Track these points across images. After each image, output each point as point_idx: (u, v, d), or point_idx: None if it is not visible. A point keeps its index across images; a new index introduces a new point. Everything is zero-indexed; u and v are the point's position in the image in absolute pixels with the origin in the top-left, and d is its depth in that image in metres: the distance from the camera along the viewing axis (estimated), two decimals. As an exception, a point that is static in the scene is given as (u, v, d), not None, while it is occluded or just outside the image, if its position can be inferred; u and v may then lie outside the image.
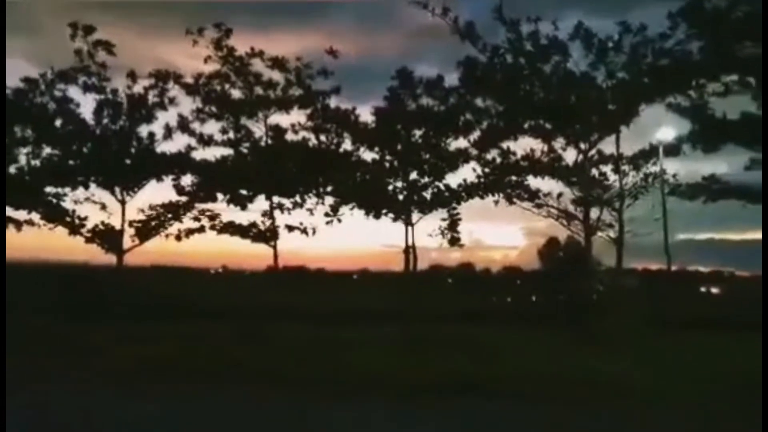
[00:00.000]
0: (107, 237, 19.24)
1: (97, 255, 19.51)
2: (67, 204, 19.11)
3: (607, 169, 19.18)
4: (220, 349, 10.30)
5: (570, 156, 18.91)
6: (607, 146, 18.96)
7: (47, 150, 18.83)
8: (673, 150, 18.80)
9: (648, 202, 19.24)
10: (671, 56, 16.72)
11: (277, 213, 20.00)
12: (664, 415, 7.13)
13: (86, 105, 19.24)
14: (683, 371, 8.99)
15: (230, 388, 7.99)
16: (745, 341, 13.40)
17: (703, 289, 38.52)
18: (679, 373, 8.95)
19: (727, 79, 16.51)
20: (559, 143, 18.92)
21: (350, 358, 9.74)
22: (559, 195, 19.27)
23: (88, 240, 19.14)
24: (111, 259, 19.36)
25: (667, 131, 19.22)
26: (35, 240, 19.88)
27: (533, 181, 19.36)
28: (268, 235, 20.01)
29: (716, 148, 17.44)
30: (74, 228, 19.03)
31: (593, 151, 18.78)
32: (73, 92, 19.04)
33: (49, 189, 18.91)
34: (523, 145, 19.29)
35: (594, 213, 18.78)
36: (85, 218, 19.16)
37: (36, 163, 18.72)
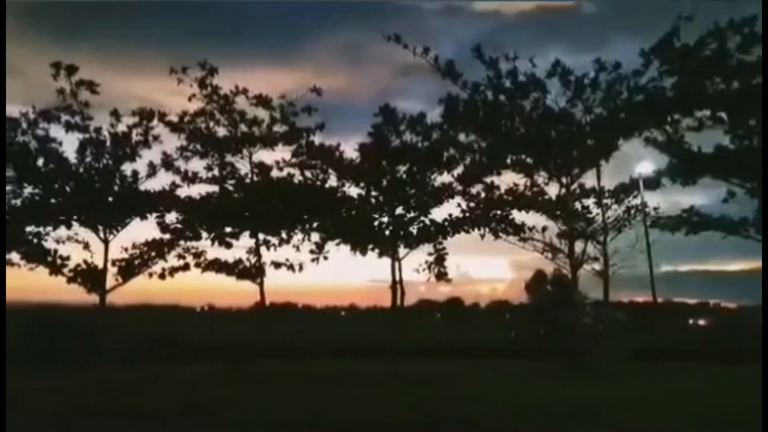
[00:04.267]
0: (89, 276, 18.91)
1: (79, 294, 19.19)
2: (49, 243, 18.83)
3: (589, 202, 19.41)
4: (202, 392, 10.10)
5: (553, 190, 19.16)
6: (589, 180, 19.28)
7: (28, 189, 18.67)
8: (653, 183, 19.12)
9: (631, 234, 19.47)
10: (646, 92, 17.19)
11: (263, 250, 19.89)
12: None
13: (69, 144, 19.17)
14: (662, 406, 8.89)
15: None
16: (728, 375, 13.41)
17: (690, 321, 38.71)
18: (658, 407, 8.86)
19: (700, 114, 16.95)
20: (541, 177, 19.18)
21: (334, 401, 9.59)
22: (544, 228, 19.39)
23: (70, 280, 18.78)
24: (94, 298, 19.06)
25: (646, 165, 19.65)
26: (14, 280, 19.49)
27: (518, 215, 19.53)
28: (254, 272, 19.80)
29: (694, 181, 17.75)
30: (55, 268, 18.70)
31: (575, 185, 19.02)
32: (56, 131, 18.97)
33: (29, 228, 18.65)
34: (506, 180, 19.58)
35: (579, 246, 18.87)
36: (67, 258, 18.86)
37: (17, 202, 18.53)
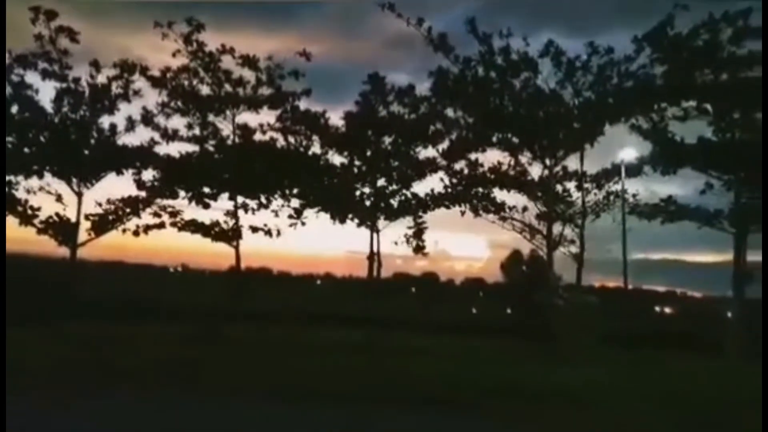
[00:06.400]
0: (61, 229, 18.51)
1: (47, 247, 18.83)
2: (20, 193, 18.33)
3: (570, 185, 19.56)
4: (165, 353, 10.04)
5: (536, 171, 19.25)
6: (572, 163, 19.38)
7: (0, 136, 18.04)
8: (634, 170, 19.29)
9: (608, 220, 19.73)
10: (635, 79, 17.19)
11: (241, 213, 19.68)
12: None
13: (45, 92, 18.48)
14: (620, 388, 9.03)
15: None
16: (682, 359, 13.83)
17: (657, 309, 39.82)
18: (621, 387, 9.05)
19: (687, 104, 17.02)
20: (525, 158, 19.22)
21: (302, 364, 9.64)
22: (524, 209, 19.55)
23: (40, 231, 18.37)
24: (64, 251, 18.73)
25: (630, 151, 19.77)
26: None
27: (499, 194, 19.60)
28: (231, 235, 19.63)
29: (674, 171, 17.90)
30: (26, 218, 18.24)
31: (558, 168, 19.12)
32: (32, 78, 18.25)
33: (0, 177, 18.10)
34: (490, 158, 19.57)
35: (557, 228, 19.08)
36: (38, 209, 18.41)
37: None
